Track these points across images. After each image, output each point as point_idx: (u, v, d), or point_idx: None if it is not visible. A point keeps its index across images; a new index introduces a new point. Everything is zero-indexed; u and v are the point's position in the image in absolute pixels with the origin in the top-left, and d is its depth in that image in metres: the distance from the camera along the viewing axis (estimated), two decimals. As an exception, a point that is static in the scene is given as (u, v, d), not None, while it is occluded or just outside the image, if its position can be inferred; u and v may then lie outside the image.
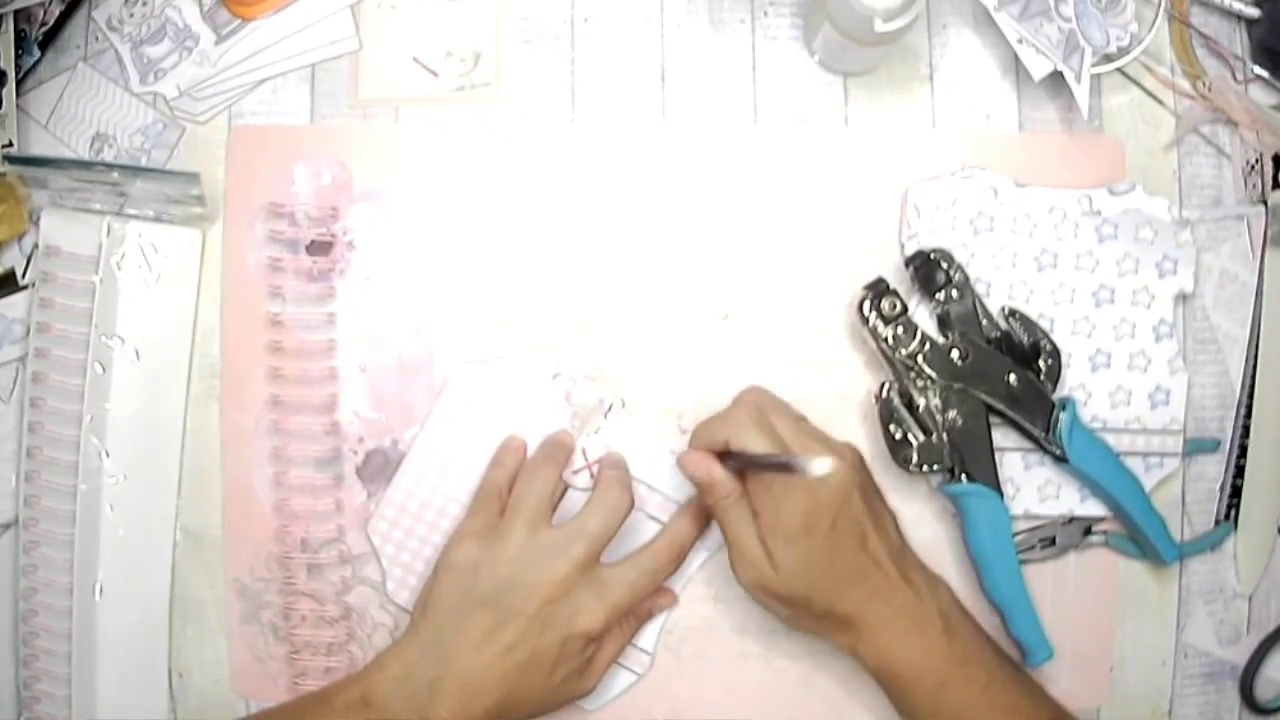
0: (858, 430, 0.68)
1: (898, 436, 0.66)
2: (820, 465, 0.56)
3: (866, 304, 0.67)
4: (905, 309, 0.67)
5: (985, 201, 0.69)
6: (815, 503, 0.60)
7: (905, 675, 0.61)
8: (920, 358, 0.66)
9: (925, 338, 0.66)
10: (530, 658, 0.61)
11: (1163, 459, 0.68)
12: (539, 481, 0.64)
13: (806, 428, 0.64)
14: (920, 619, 0.62)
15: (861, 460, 0.64)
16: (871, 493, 0.64)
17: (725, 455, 0.62)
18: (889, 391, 0.67)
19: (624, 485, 0.64)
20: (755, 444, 0.61)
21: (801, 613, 0.62)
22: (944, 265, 0.67)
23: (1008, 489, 0.67)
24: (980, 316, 0.67)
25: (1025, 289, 0.69)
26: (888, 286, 0.67)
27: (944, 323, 0.67)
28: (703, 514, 0.66)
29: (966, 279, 0.67)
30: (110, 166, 0.66)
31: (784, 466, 0.59)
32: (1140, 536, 0.67)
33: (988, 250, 0.69)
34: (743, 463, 0.61)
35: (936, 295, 0.67)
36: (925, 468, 0.66)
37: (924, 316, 0.68)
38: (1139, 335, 0.69)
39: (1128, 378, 0.68)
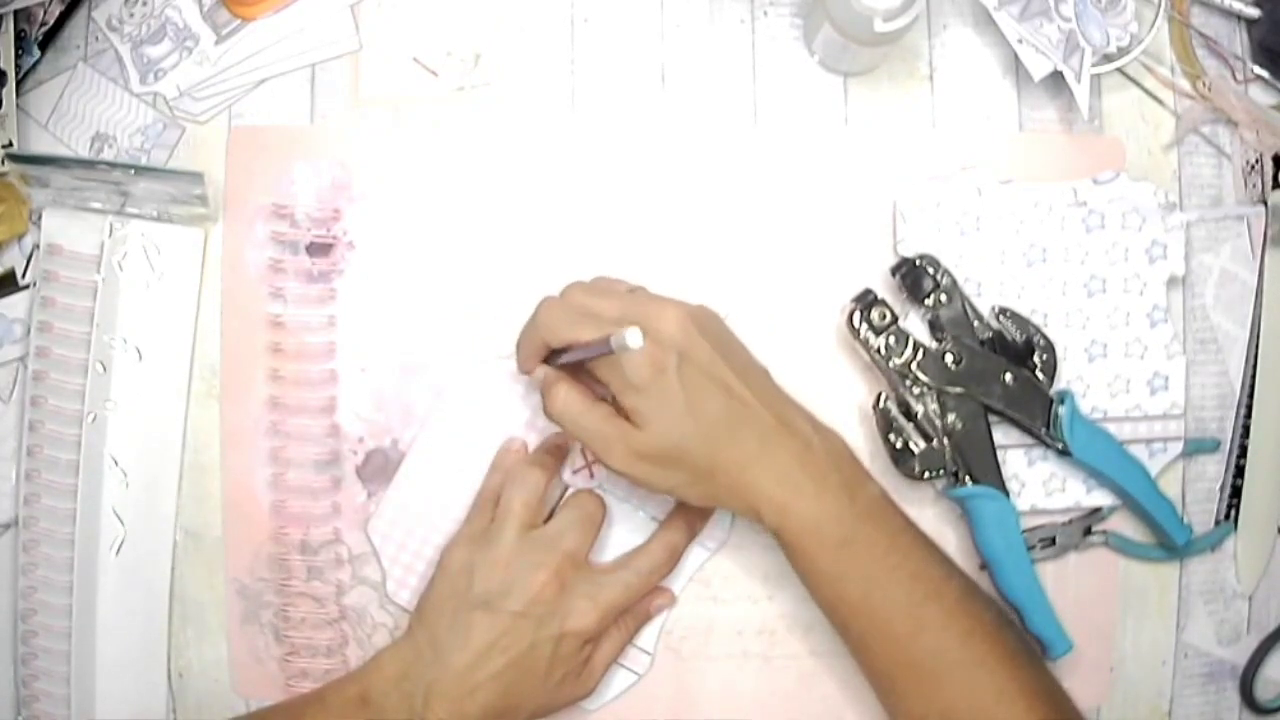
0: (861, 428, 0.68)
1: (898, 445, 0.66)
2: (632, 336, 0.53)
3: (856, 316, 0.66)
4: (895, 318, 0.66)
5: (970, 201, 0.68)
6: (656, 345, 0.59)
7: (804, 531, 0.59)
8: (914, 365, 0.66)
9: (918, 345, 0.66)
10: (525, 658, 0.61)
11: (1166, 444, 0.68)
12: (526, 486, 0.64)
13: (637, 298, 0.62)
14: (814, 471, 0.60)
15: (711, 314, 0.62)
16: (728, 342, 0.62)
17: (554, 355, 0.62)
18: (886, 401, 0.66)
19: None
20: (572, 335, 0.60)
21: (688, 472, 0.60)
22: (930, 270, 0.67)
23: (1013, 486, 0.67)
24: (971, 318, 0.67)
25: (1016, 285, 0.68)
26: (876, 297, 0.67)
27: (935, 327, 0.67)
28: (697, 514, 0.67)
29: (954, 282, 0.67)
30: (113, 166, 0.66)
31: (603, 348, 0.57)
32: (1150, 522, 0.67)
33: (976, 250, 0.68)
34: (570, 358, 0.60)
35: (925, 301, 0.67)
36: (929, 474, 0.66)
37: (915, 323, 0.68)
38: (1133, 323, 0.68)
39: (1125, 366, 0.68)
